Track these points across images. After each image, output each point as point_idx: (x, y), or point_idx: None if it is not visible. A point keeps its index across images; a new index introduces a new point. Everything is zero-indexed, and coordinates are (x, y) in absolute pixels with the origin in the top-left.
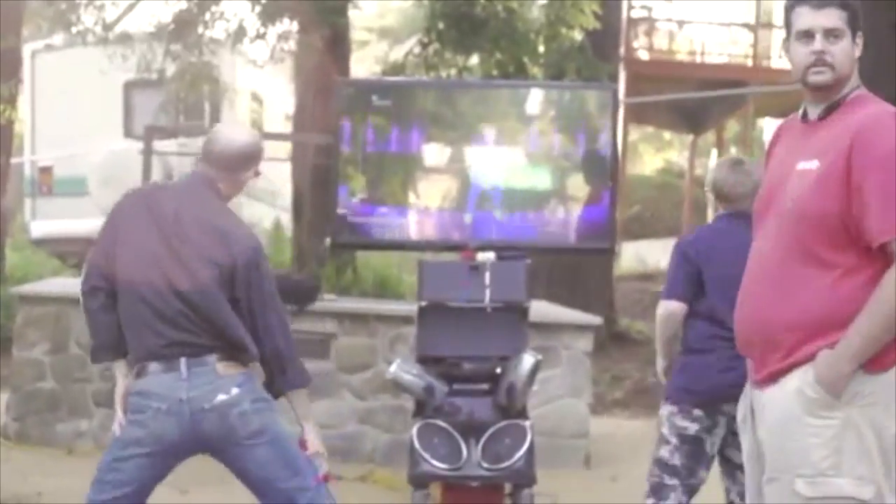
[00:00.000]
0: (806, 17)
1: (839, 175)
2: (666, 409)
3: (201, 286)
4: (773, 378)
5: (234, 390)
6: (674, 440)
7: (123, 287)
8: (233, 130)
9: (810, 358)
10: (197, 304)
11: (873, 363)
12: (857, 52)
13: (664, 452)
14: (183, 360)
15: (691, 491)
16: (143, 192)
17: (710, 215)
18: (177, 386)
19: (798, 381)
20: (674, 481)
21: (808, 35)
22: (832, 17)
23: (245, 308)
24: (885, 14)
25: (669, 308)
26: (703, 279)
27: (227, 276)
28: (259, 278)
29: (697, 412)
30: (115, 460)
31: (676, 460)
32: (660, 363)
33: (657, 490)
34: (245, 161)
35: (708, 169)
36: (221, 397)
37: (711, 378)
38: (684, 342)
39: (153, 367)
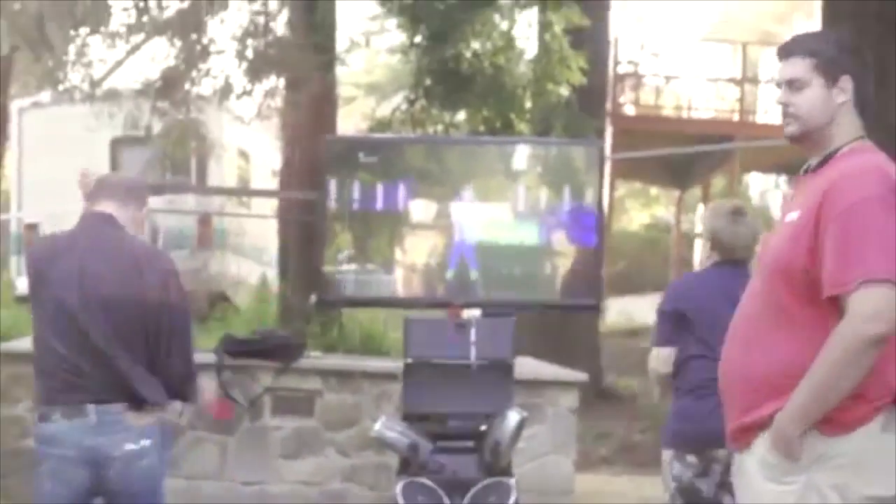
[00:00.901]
0: (777, 70)
1: (810, 229)
2: (665, 455)
3: (109, 333)
4: (736, 438)
5: (143, 442)
6: (673, 486)
7: (36, 332)
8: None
9: (770, 420)
10: (103, 354)
11: (831, 425)
12: (841, 98)
13: (669, 498)
14: (91, 407)
15: None
16: (52, 240)
17: (697, 260)
18: (85, 431)
19: (762, 447)
20: None
21: (778, 87)
22: (795, 67)
23: (154, 330)
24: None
25: (655, 358)
26: (692, 325)
27: (141, 305)
28: (169, 301)
29: (691, 458)
30: None
31: None
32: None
33: None
34: (135, 194)
35: (704, 214)
36: (130, 447)
37: (704, 424)
38: (678, 385)
39: (59, 413)
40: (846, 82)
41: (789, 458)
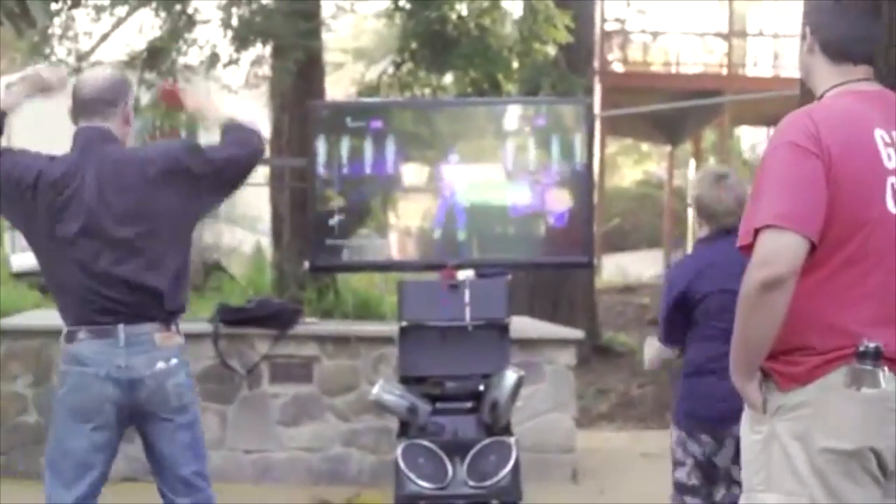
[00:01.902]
0: None
1: None
2: (675, 435)
3: (132, 246)
4: None
5: (173, 360)
6: (689, 461)
7: (55, 253)
8: (91, 72)
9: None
10: (130, 278)
11: (784, 378)
12: (808, 48)
13: (681, 475)
14: (120, 327)
15: None
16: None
17: (690, 215)
18: (114, 353)
19: None
20: (696, 500)
21: None
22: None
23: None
24: None
25: (654, 351)
26: (698, 306)
27: (172, 185)
28: (196, 157)
29: (705, 437)
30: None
31: (694, 480)
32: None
33: None
34: (119, 91)
35: (689, 181)
36: (160, 366)
37: (716, 403)
38: (685, 363)
39: (85, 332)
40: (809, 33)
41: (752, 409)
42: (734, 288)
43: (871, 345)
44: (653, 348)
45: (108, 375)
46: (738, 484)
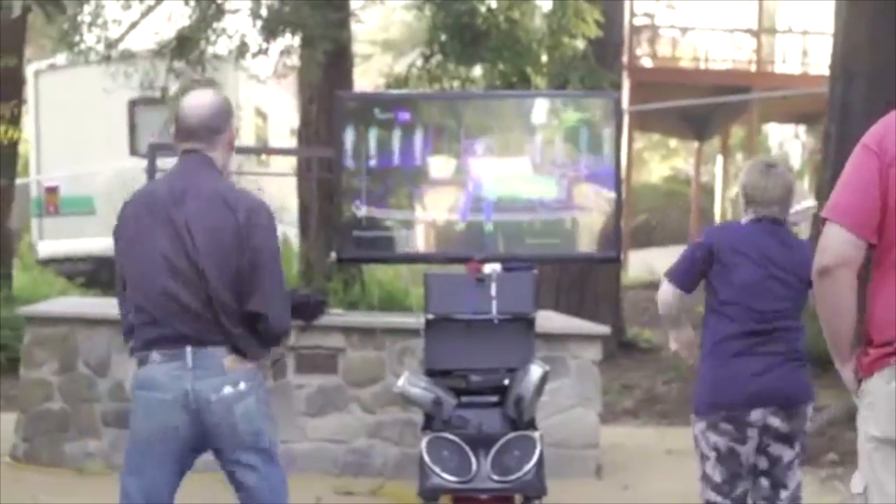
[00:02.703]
0: None
1: None
2: (698, 427)
3: (207, 276)
4: None
5: (242, 385)
6: (712, 455)
7: (131, 280)
8: (195, 97)
9: None
10: (204, 296)
11: (859, 367)
12: None
13: (707, 469)
14: (188, 350)
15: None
16: (141, 194)
17: (717, 212)
18: (182, 376)
19: None
20: (718, 497)
21: None
22: None
23: (243, 265)
24: None
25: (668, 295)
26: (723, 279)
27: (233, 242)
28: (258, 235)
29: (725, 426)
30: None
31: (718, 477)
32: (672, 335)
33: None
34: (223, 117)
35: (741, 171)
36: (228, 390)
37: (736, 390)
38: (705, 349)
39: (155, 356)
40: None
41: (850, 390)
42: (760, 272)
43: None
44: (667, 292)
45: None
46: (765, 474)
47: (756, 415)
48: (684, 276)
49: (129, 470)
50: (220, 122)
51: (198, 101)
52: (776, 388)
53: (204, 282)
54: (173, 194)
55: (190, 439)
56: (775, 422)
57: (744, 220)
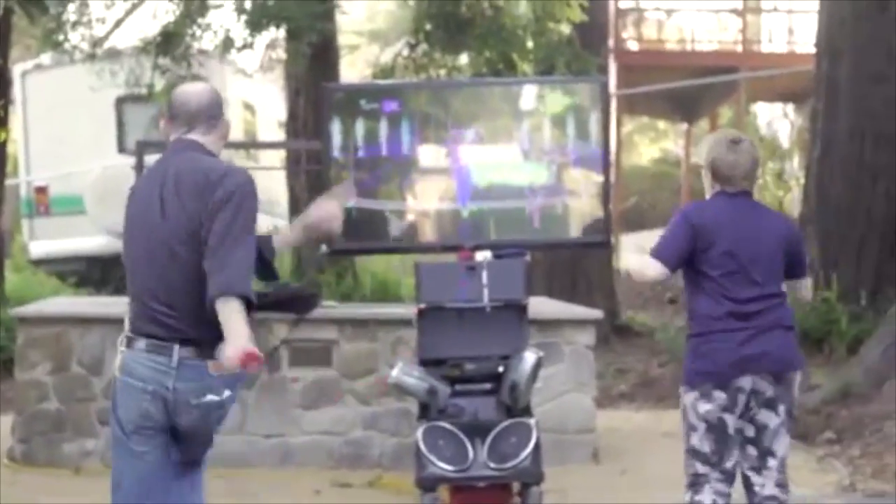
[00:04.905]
0: None
1: None
2: (688, 398)
3: (186, 268)
4: None
5: (226, 392)
6: (701, 426)
7: (128, 266)
8: (192, 86)
9: None
10: (193, 291)
11: None
12: None
13: (694, 441)
14: (175, 348)
15: (729, 478)
16: (134, 186)
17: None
18: (167, 373)
19: None
20: (706, 469)
21: None
22: None
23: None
24: None
25: (652, 271)
26: (707, 254)
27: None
28: (226, 212)
29: (718, 393)
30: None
31: (706, 447)
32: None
33: (694, 482)
34: (220, 106)
35: (703, 145)
36: (211, 398)
37: (727, 357)
38: (692, 323)
39: (141, 343)
40: None
41: None
42: (741, 247)
43: None
44: (642, 260)
45: None
46: (752, 442)
47: (746, 381)
48: (670, 256)
49: (117, 455)
50: (218, 110)
51: (196, 89)
52: (766, 353)
53: (186, 268)
54: (163, 177)
55: (166, 425)
56: (763, 385)
57: (709, 195)
